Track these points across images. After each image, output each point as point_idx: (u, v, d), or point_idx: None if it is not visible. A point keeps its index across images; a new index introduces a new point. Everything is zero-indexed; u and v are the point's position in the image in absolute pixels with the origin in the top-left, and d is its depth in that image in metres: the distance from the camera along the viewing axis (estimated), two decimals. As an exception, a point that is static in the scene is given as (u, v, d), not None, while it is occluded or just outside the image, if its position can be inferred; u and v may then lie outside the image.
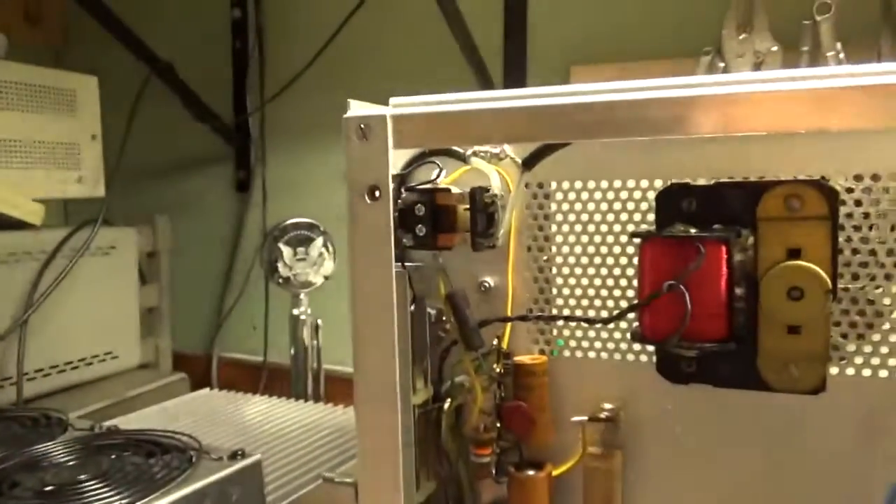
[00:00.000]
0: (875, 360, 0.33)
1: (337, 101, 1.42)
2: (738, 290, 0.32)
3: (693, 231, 0.31)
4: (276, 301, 1.41)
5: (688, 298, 0.31)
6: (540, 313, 0.38)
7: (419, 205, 0.36)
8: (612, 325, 0.37)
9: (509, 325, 0.39)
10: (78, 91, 1.00)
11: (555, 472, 0.39)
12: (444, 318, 0.41)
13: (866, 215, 0.32)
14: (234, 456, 0.52)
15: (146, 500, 0.45)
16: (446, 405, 0.40)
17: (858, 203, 0.32)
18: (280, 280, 1.09)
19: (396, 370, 0.37)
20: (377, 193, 0.36)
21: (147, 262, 1.17)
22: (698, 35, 0.77)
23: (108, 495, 0.46)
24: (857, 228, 0.32)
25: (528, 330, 0.40)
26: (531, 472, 0.38)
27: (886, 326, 0.32)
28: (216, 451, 0.53)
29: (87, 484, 0.48)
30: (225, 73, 1.37)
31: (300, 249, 1.09)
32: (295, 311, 1.10)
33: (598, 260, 0.38)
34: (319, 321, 1.12)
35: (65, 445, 0.55)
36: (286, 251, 1.08)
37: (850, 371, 0.33)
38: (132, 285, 1.10)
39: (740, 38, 0.79)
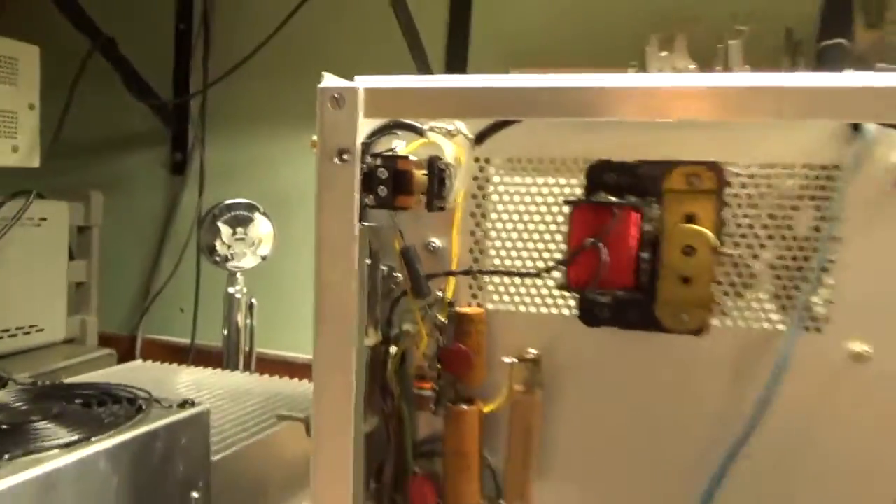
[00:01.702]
0: (748, 314, 0.41)
1: (280, 91, 1.45)
2: (645, 250, 0.39)
3: (613, 199, 0.38)
4: (206, 285, 1.41)
5: (605, 253, 0.37)
6: (480, 269, 0.44)
7: (382, 168, 0.41)
8: (540, 283, 0.44)
9: (453, 278, 0.44)
10: (19, 59, 0.99)
11: (486, 409, 0.44)
12: (395, 274, 0.46)
13: (749, 196, 0.40)
14: (184, 405, 0.55)
15: (101, 437, 0.48)
16: (393, 349, 0.45)
17: (744, 186, 0.40)
18: (217, 259, 1.11)
19: (355, 314, 0.42)
20: (345, 156, 0.40)
21: (77, 238, 1.16)
22: (626, 50, 0.87)
23: (64, 434, 0.48)
24: (740, 206, 0.40)
25: (469, 285, 0.45)
26: (465, 406, 0.44)
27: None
28: (166, 401, 0.55)
29: (39, 424, 0.50)
30: (168, 54, 1.37)
31: (239, 229, 1.11)
32: (230, 290, 1.12)
33: (531, 226, 0.44)
34: (254, 301, 1.14)
35: (11, 394, 0.56)
36: (225, 230, 1.10)
37: (729, 323, 0.41)
38: (61, 259, 1.09)
39: (661, 55, 0.90)
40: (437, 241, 0.46)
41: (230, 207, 1.11)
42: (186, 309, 1.44)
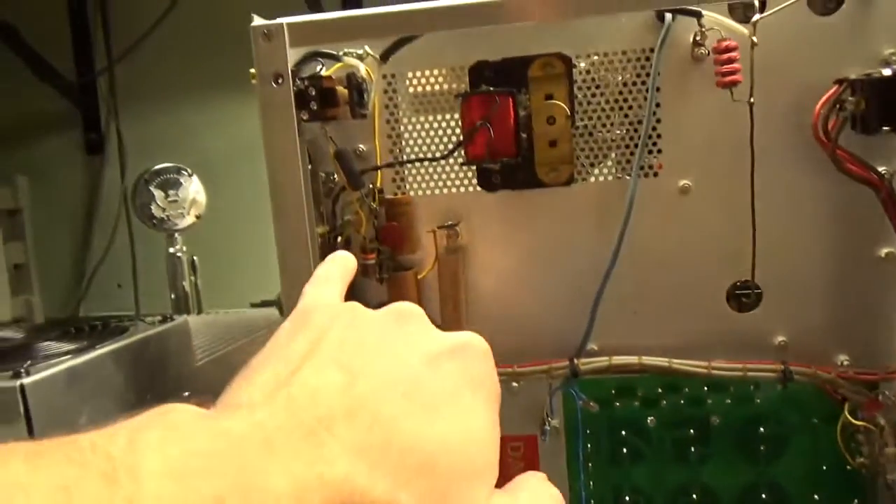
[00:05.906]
0: (604, 171, 0.54)
1: (189, 58, 1.51)
2: (521, 125, 0.52)
3: (492, 88, 0.50)
4: (140, 260, 1.46)
5: (491, 131, 0.50)
6: (399, 160, 0.55)
7: (311, 87, 0.52)
8: (448, 168, 0.56)
9: (380, 174, 0.56)
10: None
11: (421, 276, 0.57)
12: (332, 177, 0.57)
13: (593, 79, 0.53)
14: (164, 320, 0.65)
15: (104, 344, 0.57)
16: (340, 237, 0.57)
17: (588, 71, 0.53)
18: (154, 222, 1.17)
19: (305, 208, 0.53)
20: (280, 80, 0.51)
21: (7, 221, 1.19)
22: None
23: (68, 346, 0.57)
24: (587, 86, 0.53)
25: (393, 178, 0.57)
26: (402, 272, 0.56)
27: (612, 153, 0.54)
28: (149, 319, 0.65)
29: (42, 343, 0.58)
30: (67, 33, 1.39)
31: (170, 192, 1.17)
32: (171, 250, 1.19)
33: (435, 123, 0.56)
34: (196, 258, 1.21)
35: (6, 332, 0.64)
36: (158, 194, 1.16)
37: (592, 179, 0.55)
38: (-4, 242, 1.12)
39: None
40: (362, 146, 0.57)
41: (158, 173, 1.17)
42: (124, 284, 1.49)
